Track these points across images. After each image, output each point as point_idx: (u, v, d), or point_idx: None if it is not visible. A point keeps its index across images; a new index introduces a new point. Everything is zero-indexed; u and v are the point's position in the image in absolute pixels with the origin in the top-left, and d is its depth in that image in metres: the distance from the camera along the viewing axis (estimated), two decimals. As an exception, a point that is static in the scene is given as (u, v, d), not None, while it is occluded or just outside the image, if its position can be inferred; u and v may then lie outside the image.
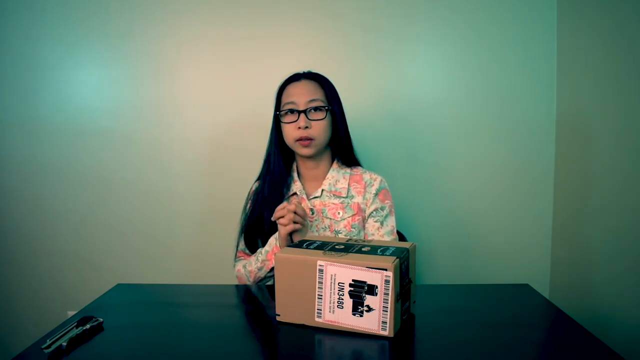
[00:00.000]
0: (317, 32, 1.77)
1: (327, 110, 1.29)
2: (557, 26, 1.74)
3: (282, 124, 1.32)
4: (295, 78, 1.34)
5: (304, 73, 1.36)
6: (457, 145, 1.80)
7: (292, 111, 1.29)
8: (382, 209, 1.32)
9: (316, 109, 1.28)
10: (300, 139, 1.27)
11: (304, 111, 1.27)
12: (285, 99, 1.31)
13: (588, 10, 1.58)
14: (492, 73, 1.77)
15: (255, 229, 1.34)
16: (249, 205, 1.39)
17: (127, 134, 1.81)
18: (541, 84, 1.76)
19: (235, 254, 1.40)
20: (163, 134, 1.82)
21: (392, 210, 1.35)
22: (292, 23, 1.77)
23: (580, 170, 1.63)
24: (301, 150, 1.29)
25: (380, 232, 1.31)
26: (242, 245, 1.38)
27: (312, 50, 1.78)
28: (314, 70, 1.38)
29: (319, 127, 1.28)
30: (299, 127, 1.27)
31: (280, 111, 1.32)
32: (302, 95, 1.29)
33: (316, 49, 1.77)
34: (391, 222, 1.33)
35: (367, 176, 1.35)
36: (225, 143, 1.82)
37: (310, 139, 1.27)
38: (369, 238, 1.32)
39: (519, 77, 1.76)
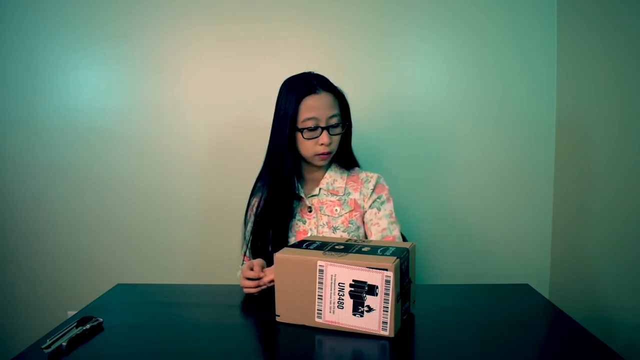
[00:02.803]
0: (318, 32, 1.77)
1: (345, 127, 1.33)
2: (557, 27, 1.74)
3: (301, 138, 1.28)
4: (312, 89, 1.28)
5: (318, 83, 1.29)
6: (457, 145, 1.80)
7: (313, 128, 1.27)
8: (379, 198, 1.35)
9: (336, 125, 1.30)
10: (321, 154, 1.29)
11: (327, 128, 1.28)
12: (305, 112, 1.26)
13: (588, 10, 1.58)
14: (492, 73, 1.77)
15: (260, 236, 1.34)
16: (250, 214, 1.38)
17: (127, 134, 1.81)
18: (541, 84, 1.76)
19: (242, 260, 1.40)
20: (163, 134, 1.82)
21: (390, 198, 1.37)
22: (293, 23, 1.77)
23: (580, 170, 1.63)
24: (319, 162, 1.32)
25: (379, 215, 1.33)
26: (246, 250, 1.38)
27: (313, 50, 1.78)
28: (315, 71, 1.35)
29: (337, 141, 1.32)
30: (322, 144, 1.27)
31: (301, 128, 1.27)
32: (324, 109, 1.27)
33: (316, 49, 1.77)
34: (389, 207, 1.35)
35: (363, 175, 1.39)
36: (226, 143, 1.82)
37: (330, 154, 1.31)
38: (368, 226, 1.33)
39: (519, 77, 1.76)
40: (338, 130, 1.30)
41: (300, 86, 1.29)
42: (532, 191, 1.80)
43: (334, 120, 1.28)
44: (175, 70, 1.79)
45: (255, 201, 1.39)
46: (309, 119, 1.26)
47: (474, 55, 1.77)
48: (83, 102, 1.81)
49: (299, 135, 1.28)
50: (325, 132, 1.27)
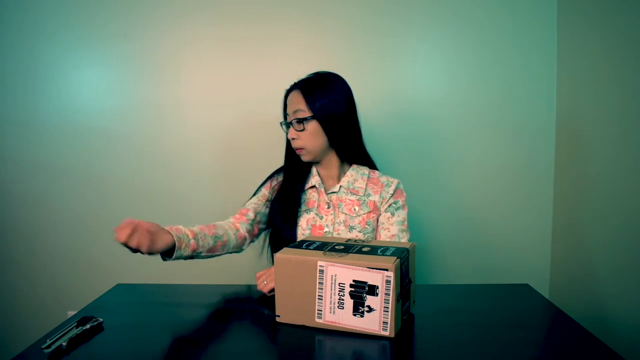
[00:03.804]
0: (318, 32, 1.77)
1: (303, 121, 1.29)
2: (557, 27, 1.74)
3: None
4: (290, 89, 1.35)
5: (297, 82, 1.35)
6: (457, 145, 1.80)
7: (286, 124, 1.34)
8: (395, 203, 1.36)
9: (298, 121, 1.30)
10: (296, 149, 1.33)
11: (291, 123, 1.31)
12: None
13: (588, 10, 1.58)
14: (492, 73, 1.77)
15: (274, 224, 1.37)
16: (269, 185, 1.41)
17: (127, 134, 1.81)
18: (541, 84, 1.76)
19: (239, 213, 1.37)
20: (163, 134, 1.82)
21: (405, 205, 1.37)
22: (293, 23, 1.77)
23: (580, 170, 1.63)
24: (301, 157, 1.34)
25: (390, 220, 1.33)
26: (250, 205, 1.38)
27: (313, 50, 1.78)
28: (320, 70, 1.36)
29: (304, 137, 1.31)
30: (291, 139, 1.32)
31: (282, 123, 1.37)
32: (290, 106, 1.32)
33: (316, 49, 1.78)
34: (402, 214, 1.35)
35: (384, 178, 1.38)
36: (226, 143, 1.82)
37: (302, 149, 1.32)
38: (379, 228, 1.34)
39: (519, 77, 1.76)
40: (300, 127, 1.29)
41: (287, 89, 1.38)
42: (532, 191, 1.81)
43: (296, 116, 1.30)
44: (175, 70, 1.79)
45: (275, 181, 1.42)
46: (285, 115, 1.35)
47: (474, 55, 1.77)
48: (83, 102, 1.81)
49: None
50: (290, 127, 1.31)
